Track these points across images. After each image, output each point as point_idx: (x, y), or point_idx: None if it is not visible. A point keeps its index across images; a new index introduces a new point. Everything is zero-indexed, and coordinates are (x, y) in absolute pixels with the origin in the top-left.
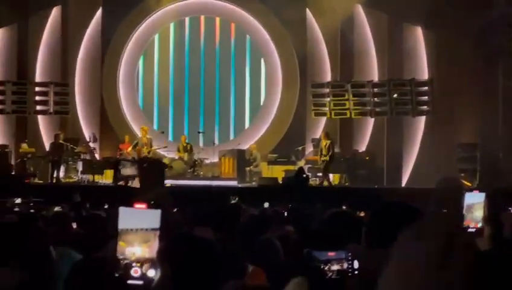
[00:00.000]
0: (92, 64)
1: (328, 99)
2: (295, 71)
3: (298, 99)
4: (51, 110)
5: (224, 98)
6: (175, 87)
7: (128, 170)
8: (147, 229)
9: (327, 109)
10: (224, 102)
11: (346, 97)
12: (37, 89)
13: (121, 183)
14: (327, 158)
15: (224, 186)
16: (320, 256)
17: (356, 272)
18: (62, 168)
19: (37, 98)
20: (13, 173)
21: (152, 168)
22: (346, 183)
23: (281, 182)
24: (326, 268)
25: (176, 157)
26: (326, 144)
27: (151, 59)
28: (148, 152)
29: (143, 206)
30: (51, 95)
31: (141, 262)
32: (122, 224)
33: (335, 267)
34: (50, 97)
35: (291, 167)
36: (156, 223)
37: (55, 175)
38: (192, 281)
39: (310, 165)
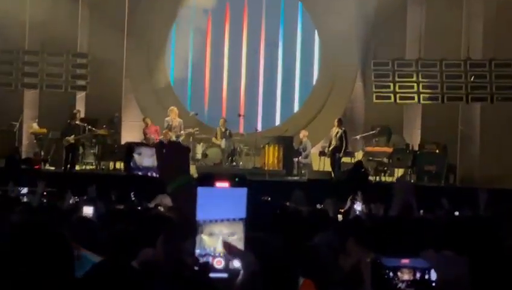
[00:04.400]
0: (114, 34)
1: (393, 80)
2: (354, 47)
3: (357, 79)
4: (66, 85)
5: (270, 76)
6: (212, 63)
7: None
8: (233, 219)
9: (391, 91)
10: (270, 81)
11: (414, 79)
12: (49, 59)
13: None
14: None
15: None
16: (389, 263)
17: (434, 284)
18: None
19: (50, 70)
20: (21, 158)
21: (172, 153)
22: (412, 181)
23: (334, 178)
24: (396, 278)
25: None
26: (337, 133)
27: (186, 29)
28: (177, 137)
29: (226, 184)
30: (67, 67)
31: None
32: (201, 213)
33: (406, 276)
34: (67, 70)
35: (347, 160)
36: (242, 211)
37: (69, 161)
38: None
39: (370, 158)
